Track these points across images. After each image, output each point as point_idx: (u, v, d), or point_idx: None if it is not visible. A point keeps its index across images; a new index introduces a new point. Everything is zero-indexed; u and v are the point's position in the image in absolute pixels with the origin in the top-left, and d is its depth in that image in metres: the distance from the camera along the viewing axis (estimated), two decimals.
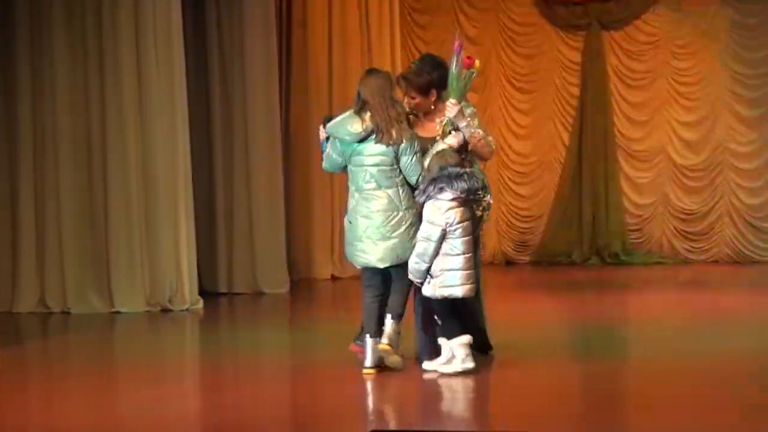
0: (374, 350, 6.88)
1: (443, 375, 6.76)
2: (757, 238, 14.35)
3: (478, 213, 7.01)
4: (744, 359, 7.37)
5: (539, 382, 6.78)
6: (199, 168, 11.57)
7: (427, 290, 6.83)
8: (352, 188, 7.06)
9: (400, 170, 6.91)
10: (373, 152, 6.92)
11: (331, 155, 7.11)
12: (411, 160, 6.88)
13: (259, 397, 6.48)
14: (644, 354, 7.77)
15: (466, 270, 6.79)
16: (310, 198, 13.26)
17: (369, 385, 6.74)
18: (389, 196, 6.91)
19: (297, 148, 13.24)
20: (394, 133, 6.86)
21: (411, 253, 6.83)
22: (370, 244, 6.93)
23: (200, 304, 10.73)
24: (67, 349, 9.01)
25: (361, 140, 6.91)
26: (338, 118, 7.05)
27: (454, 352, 6.80)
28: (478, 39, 14.89)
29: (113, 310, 10.49)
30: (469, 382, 6.71)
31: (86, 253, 10.59)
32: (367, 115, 6.90)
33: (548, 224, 14.82)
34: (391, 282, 7.04)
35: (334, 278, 13.30)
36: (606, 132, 14.67)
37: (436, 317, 6.88)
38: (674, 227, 14.58)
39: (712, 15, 14.48)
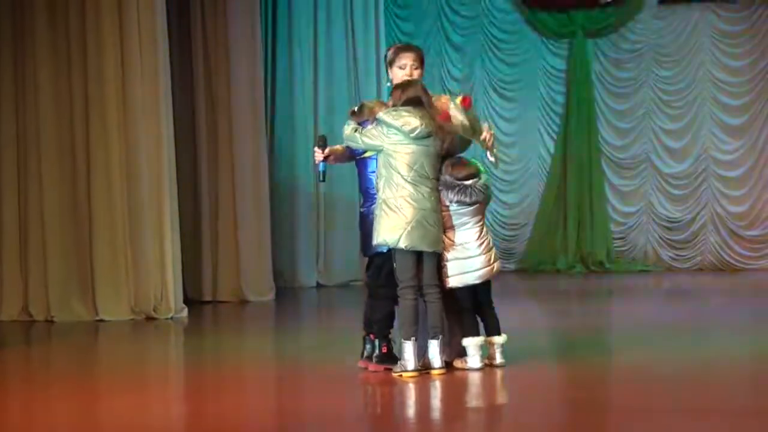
0: (418, 354, 6.95)
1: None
2: (740, 246, 14.40)
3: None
4: (728, 367, 7.38)
5: (524, 389, 6.78)
6: (184, 175, 11.55)
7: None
8: (396, 175, 7.03)
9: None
10: (428, 144, 7.04)
11: (369, 143, 7.13)
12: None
13: (244, 406, 6.46)
14: (629, 361, 7.78)
15: (472, 257, 7.02)
16: (296, 206, 13.26)
17: (355, 393, 6.73)
18: (434, 186, 7.04)
19: (283, 156, 13.24)
20: (443, 132, 7.09)
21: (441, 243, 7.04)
22: (420, 228, 6.99)
23: (185, 313, 10.69)
24: (50, 357, 8.96)
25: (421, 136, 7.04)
26: (396, 111, 7.08)
27: (468, 351, 7.07)
28: (462, 47, 14.92)
29: (97, 318, 10.44)
30: (454, 388, 6.71)
31: (70, 261, 10.55)
32: (424, 114, 7.03)
33: (533, 232, 14.84)
34: (425, 292, 7.09)
35: (319, 286, 13.29)
36: (590, 140, 14.71)
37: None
38: (658, 235, 14.62)
39: (696, 23, 14.55)
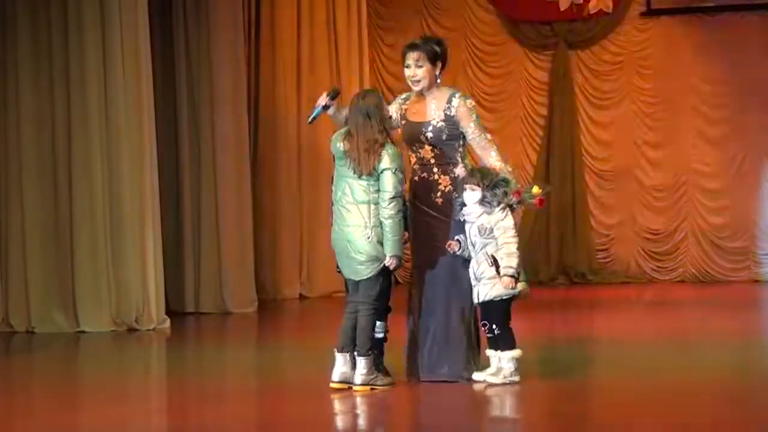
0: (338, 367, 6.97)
1: (485, 384, 6.97)
2: (721, 258, 14.43)
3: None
4: (708, 378, 7.41)
5: (507, 402, 6.78)
6: (167, 186, 11.53)
7: (498, 290, 7.03)
8: (333, 197, 7.09)
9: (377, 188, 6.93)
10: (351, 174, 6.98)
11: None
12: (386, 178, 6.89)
13: (226, 418, 6.44)
14: (610, 373, 7.80)
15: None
16: (278, 218, 13.25)
17: (337, 405, 6.72)
18: (360, 211, 6.92)
19: (265, 167, 13.23)
20: (364, 165, 6.91)
21: (368, 271, 6.89)
22: (343, 258, 6.99)
23: (167, 324, 10.66)
24: (30, 368, 8.93)
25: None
26: (340, 131, 7.13)
27: (502, 364, 6.99)
28: None
29: (78, 329, 10.40)
30: (435, 401, 6.71)
31: (51, 272, 10.51)
32: (348, 139, 7.02)
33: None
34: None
35: (302, 297, 13.28)
36: (573, 152, 14.73)
37: (493, 326, 7.01)
38: (640, 247, 14.65)
39: (677, 35, 14.60)
